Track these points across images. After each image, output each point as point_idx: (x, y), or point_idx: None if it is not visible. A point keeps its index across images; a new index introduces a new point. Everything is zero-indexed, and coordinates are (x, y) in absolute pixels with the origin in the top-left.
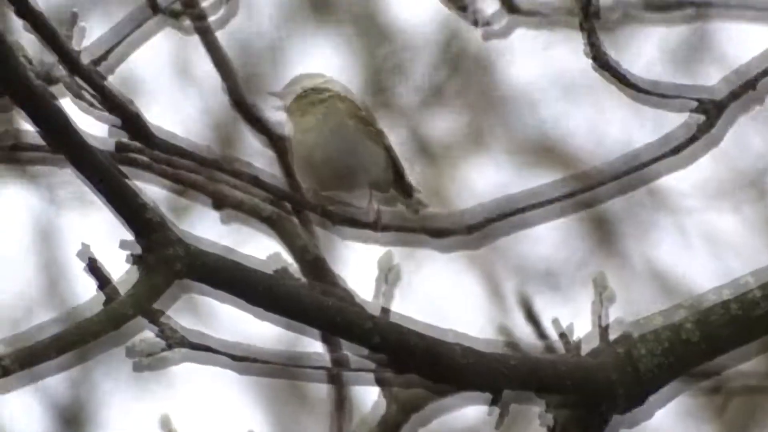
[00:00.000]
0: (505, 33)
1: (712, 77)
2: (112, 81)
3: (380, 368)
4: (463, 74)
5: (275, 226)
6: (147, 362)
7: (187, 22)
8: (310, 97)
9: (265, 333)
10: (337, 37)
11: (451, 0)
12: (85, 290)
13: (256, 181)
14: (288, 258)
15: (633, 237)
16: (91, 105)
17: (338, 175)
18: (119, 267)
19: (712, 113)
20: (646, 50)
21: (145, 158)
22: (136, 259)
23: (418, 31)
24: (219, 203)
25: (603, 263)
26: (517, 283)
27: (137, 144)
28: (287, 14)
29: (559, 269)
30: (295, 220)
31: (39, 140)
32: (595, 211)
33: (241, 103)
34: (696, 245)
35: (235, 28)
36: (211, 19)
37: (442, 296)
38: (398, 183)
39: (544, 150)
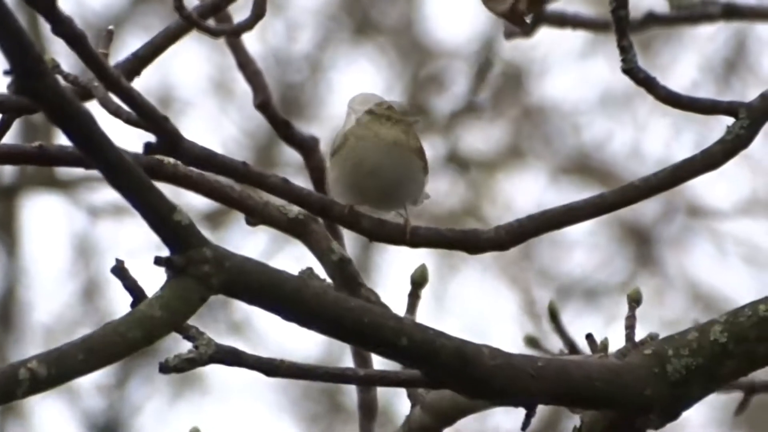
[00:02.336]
0: (527, 32)
1: (748, 87)
2: (150, 97)
3: (413, 383)
4: (501, 87)
5: (300, 229)
6: (174, 363)
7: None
8: (390, 112)
9: (302, 345)
10: (375, 53)
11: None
12: (122, 305)
13: (290, 194)
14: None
15: (670, 250)
16: (128, 121)
17: (382, 190)
18: (156, 282)
19: (750, 127)
20: (682, 63)
21: (172, 163)
22: (167, 266)
23: (456, 47)
24: (252, 219)
25: (639, 276)
26: (549, 295)
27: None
28: (326, 30)
29: (594, 281)
30: (321, 223)
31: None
32: (632, 221)
33: (271, 112)
34: (733, 259)
35: (274, 44)
36: (239, 22)
37: (474, 308)
38: None
39: (582, 163)
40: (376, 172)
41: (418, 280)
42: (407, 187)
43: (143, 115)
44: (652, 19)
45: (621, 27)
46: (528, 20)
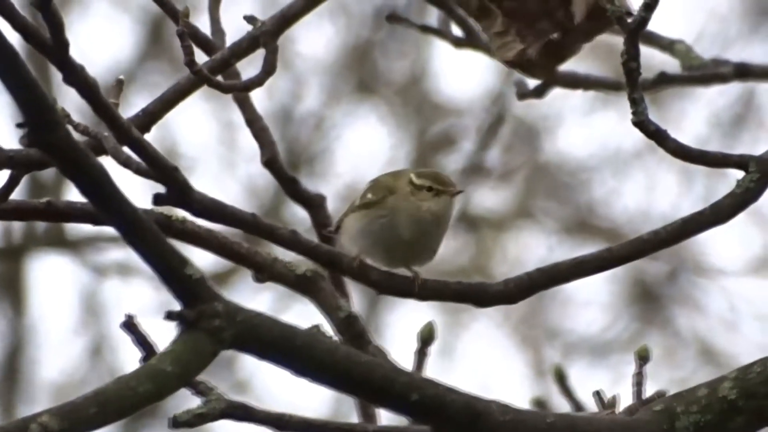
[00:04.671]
0: (540, 93)
1: (759, 142)
2: (160, 150)
3: None
4: (510, 146)
5: (308, 286)
6: (185, 419)
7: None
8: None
9: (311, 401)
10: (383, 109)
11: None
12: (129, 363)
13: (298, 246)
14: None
15: (680, 308)
16: (137, 172)
17: (411, 257)
18: (163, 342)
19: (760, 181)
20: (693, 118)
21: (180, 219)
22: (178, 320)
23: (465, 103)
24: (260, 276)
25: (648, 334)
26: (557, 353)
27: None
28: (332, 86)
29: (603, 339)
30: (329, 280)
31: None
32: (641, 280)
33: (278, 169)
34: (744, 318)
35: (280, 100)
36: (249, 78)
37: (483, 364)
38: None
39: (590, 221)
40: (413, 243)
41: (426, 337)
42: (431, 253)
43: (153, 165)
44: (664, 80)
45: (632, 79)
46: (542, 76)
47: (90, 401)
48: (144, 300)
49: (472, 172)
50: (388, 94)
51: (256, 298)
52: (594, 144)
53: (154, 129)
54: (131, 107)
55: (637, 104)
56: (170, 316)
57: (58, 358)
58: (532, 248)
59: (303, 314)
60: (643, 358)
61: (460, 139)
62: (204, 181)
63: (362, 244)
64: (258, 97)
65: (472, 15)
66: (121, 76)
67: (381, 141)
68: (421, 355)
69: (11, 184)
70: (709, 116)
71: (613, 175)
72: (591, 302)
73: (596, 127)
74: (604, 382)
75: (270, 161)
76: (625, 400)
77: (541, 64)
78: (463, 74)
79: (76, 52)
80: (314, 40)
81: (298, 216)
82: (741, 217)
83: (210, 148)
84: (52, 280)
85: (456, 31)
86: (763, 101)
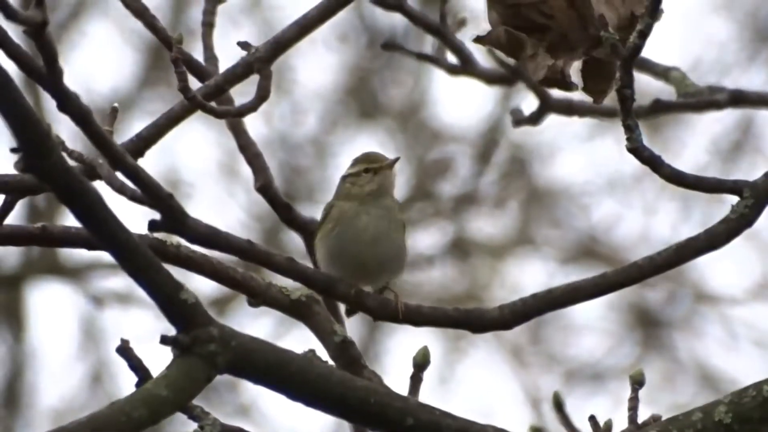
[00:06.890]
0: (535, 120)
1: (756, 167)
2: (157, 178)
3: None
4: (508, 172)
5: (303, 311)
6: None
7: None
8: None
9: (314, 424)
10: (382, 136)
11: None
12: (129, 389)
13: (295, 273)
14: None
15: (679, 334)
16: (132, 198)
17: (372, 264)
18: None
19: (754, 207)
20: (691, 144)
21: (175, 244)
22: (173, 345)
23: (464, 130)
24: (255, 300)
25: (648, 359)
26: (556, 379)
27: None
28: (332, 113)
29: (603, 365)
30: (323, 305)
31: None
32: (641, 306)
33: (272, 195)
34: (743, 343)
35: (280, 128)
36: (243, 104)
37: (481, 390)
38: None
39: (590, 247)
40: (377, 239)
41: (420, 362)
42: (394, 256)
43: (148, 192)
44: (659, 107)
45: (626, 107)
46: (597, 100)
47: (84, 426)
48: (145, 326)
49: (468, 199)
50: (386, 120)
51: (256, 323)
52: (593, 169)
53: (155, 154)
54: (132, 133)
55: (631, 131)
56: (165, 341)
57: (58, 385)
58: (532, 275)
59: (302, 340)
60: (637, 382)
61: (457, 166)
62: (204, 207)
63: (336, 264)
64: (256, 125)
65: (505, 51)
66: (116, 104)
67: None
68: (416, 379)
69: (6, 209)
70: (707, 143)
71: (613, 201)
72: (591, 328)
73: (595, 153)
74: (603, 408)
75: (263, 187)
76: (622, 425)
77: (592, 89)
78: (462, 101)
79: (76, 79)
80: (312, 68)
81: (298, 243)
82: (739, 243)
83: (210, 173)
84: (51, 307)
85: (452, 59)
86: (760, 128)
